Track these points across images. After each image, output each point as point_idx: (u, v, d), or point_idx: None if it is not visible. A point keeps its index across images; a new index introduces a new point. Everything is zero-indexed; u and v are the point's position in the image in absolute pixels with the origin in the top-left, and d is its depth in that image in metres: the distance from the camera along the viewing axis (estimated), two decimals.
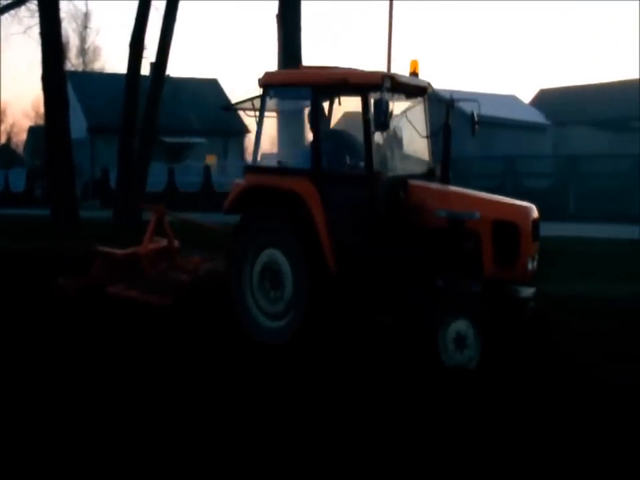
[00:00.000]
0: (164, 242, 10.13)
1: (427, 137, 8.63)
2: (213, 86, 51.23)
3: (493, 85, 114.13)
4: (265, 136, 8.61)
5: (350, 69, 8.37)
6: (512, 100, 43.87)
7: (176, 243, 10.22)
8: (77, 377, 7.06)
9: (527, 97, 52.93)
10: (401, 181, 7.89)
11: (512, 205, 7.80)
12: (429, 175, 8.40)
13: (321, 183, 7.92)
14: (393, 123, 7.83)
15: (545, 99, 47.03)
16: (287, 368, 7.36)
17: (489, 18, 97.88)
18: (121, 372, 7.23)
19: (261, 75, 8.35)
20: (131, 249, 9.80)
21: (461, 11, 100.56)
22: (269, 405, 6.27)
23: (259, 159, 8.53)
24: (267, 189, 8.15)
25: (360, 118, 7.86)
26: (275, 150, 8.79)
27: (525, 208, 7.67)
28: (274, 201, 8.12)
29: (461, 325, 7.13)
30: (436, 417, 6.02)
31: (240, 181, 8.55)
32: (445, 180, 8.41)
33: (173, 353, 7.96)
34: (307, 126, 8.44)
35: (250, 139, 63.47)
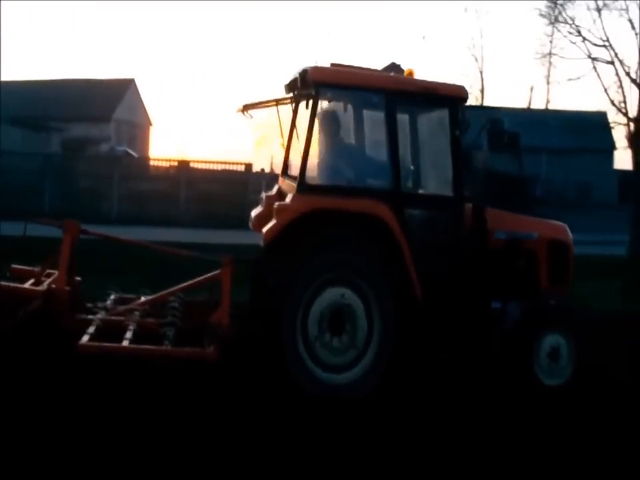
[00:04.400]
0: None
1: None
2: None
3: None
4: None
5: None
6: None
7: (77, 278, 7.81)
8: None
9: None
10: (479, 204, 7.83)
11: (558, 225, 8.43)
12: None
13: (401, 205, 7.28)
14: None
15: None
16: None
17: None
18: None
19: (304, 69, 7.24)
20: (31, 283, 7.49)
21: None
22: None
23: (309, 175, 7.24)
24: (334, 214, 6.96)
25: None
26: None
27: (566, 227, 8.39)
28: (340, 228, 7.04)
29: (554, 339, 7.65)
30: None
31: (286, 203, 7.14)
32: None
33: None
34: (368, 137, 7.96)
35: None
